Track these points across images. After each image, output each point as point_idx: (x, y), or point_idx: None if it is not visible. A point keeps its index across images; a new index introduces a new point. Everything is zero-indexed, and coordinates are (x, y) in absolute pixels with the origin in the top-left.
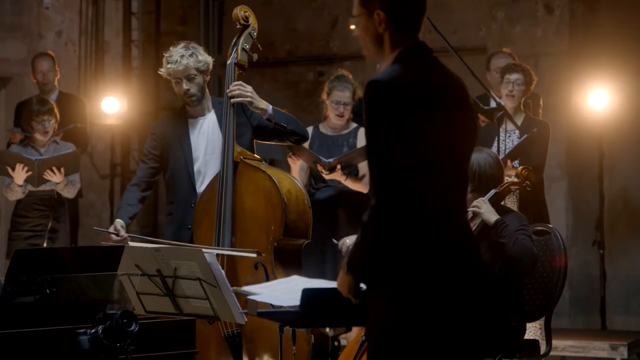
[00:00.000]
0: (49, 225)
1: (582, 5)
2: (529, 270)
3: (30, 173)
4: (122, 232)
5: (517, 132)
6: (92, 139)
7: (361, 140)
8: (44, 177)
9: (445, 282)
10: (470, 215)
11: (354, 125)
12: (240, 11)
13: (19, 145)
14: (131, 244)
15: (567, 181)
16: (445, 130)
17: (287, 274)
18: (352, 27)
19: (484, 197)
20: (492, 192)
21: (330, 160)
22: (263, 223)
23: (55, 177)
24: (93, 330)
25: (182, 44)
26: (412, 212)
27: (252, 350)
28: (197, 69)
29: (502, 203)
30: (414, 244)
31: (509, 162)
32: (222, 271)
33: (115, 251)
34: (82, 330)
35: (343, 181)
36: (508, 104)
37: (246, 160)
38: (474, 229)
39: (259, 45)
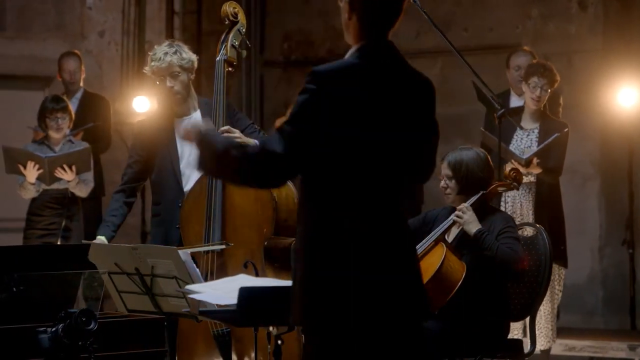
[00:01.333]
0: (63, 224)
1: (616, 3)
2: (516, 275)
3: (41, 171)
4: None
5: (536, 131)
6: (130, 139)
7: None
8: (55, 175)
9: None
10: (450, 222)
11: None
12: (229, 7)
13: (34, 144)
14: None
15: (600, 180)
16: (377, 129)
17: (277, 273)
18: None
19: (470, 198)
20: (480, 194)
21: None
22: (253, 221)
23: (66, 175)
24: (53, 329)
25: (166, 42)
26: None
27: (241, 349)
28: (181, 67)
29: (520, 203)
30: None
31: (534, 159)
32: (197, 269)
33: (84, 250)
34: (42, 329)
35: None
36: (531, 107)
37: None
38: (454, 235)
39: (248, 42)
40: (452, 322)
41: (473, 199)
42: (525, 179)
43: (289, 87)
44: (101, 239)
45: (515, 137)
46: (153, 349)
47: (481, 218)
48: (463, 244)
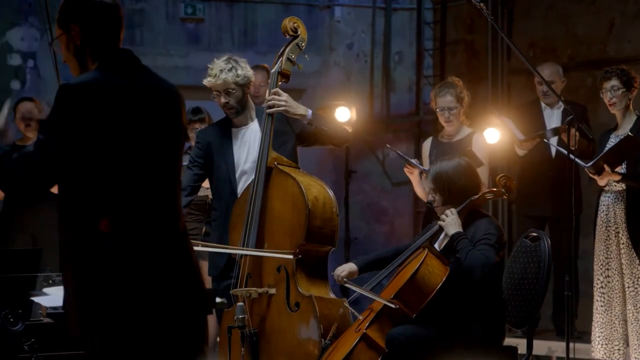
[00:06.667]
0: (203, 229)
1: None
2: (481, 281)
3: None
4: None
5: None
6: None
7: (476, 146)
8: None
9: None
10: (436, 228)
11: (467, 130)
12: (289, 22)
13: None
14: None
15: None
16: (131, 134)
17: (310, 280)
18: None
19: (457, 207)
20: (467, 200)
21: None
22: (288, 227)
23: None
24: None
25: (224, 57)
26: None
27: (269, 351)
28: (236, 83)
29: (614, 211)
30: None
31: (605, 166)
32: None
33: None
34: None
35: None
36: (616, 112)
37: (279, 167)
38: (444, 241)
39: (306, 56)
40: (439, 326)
41: (462, 205)
42: (617, 187)
43: (533, 94)
44: None
45: (608, 144)
46: None
47: (468, 224)
48: (451, 249)
